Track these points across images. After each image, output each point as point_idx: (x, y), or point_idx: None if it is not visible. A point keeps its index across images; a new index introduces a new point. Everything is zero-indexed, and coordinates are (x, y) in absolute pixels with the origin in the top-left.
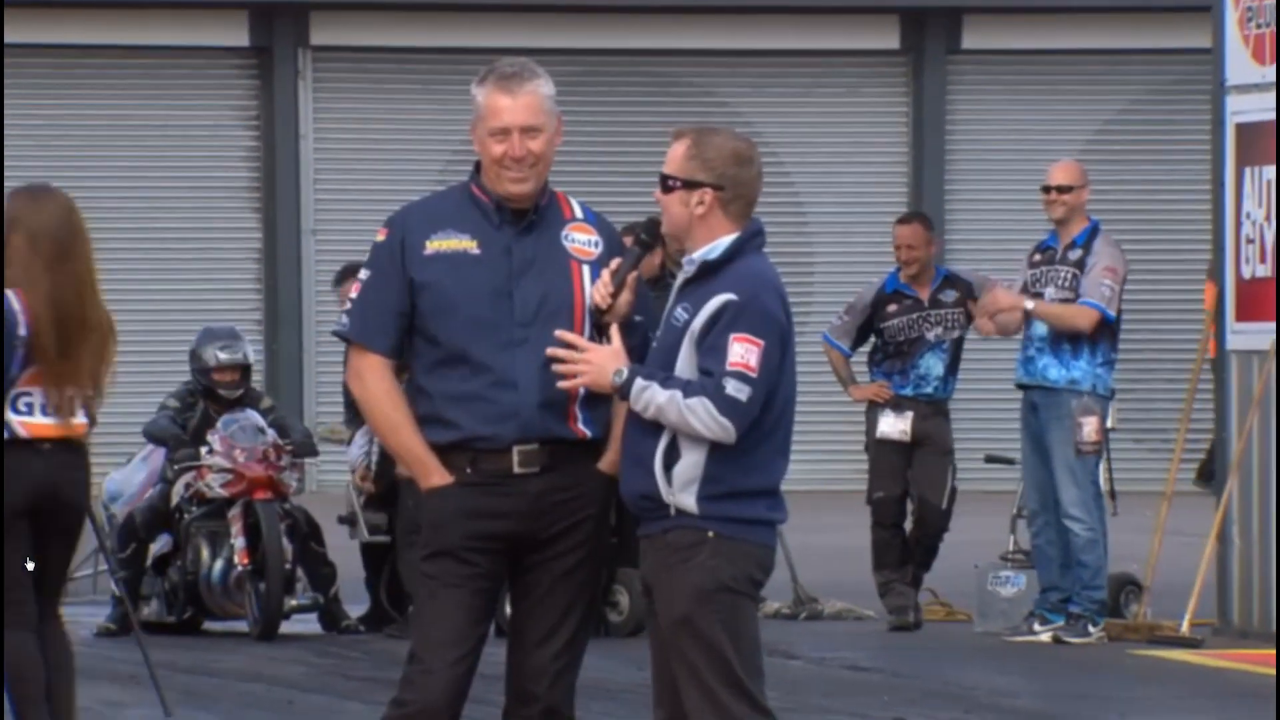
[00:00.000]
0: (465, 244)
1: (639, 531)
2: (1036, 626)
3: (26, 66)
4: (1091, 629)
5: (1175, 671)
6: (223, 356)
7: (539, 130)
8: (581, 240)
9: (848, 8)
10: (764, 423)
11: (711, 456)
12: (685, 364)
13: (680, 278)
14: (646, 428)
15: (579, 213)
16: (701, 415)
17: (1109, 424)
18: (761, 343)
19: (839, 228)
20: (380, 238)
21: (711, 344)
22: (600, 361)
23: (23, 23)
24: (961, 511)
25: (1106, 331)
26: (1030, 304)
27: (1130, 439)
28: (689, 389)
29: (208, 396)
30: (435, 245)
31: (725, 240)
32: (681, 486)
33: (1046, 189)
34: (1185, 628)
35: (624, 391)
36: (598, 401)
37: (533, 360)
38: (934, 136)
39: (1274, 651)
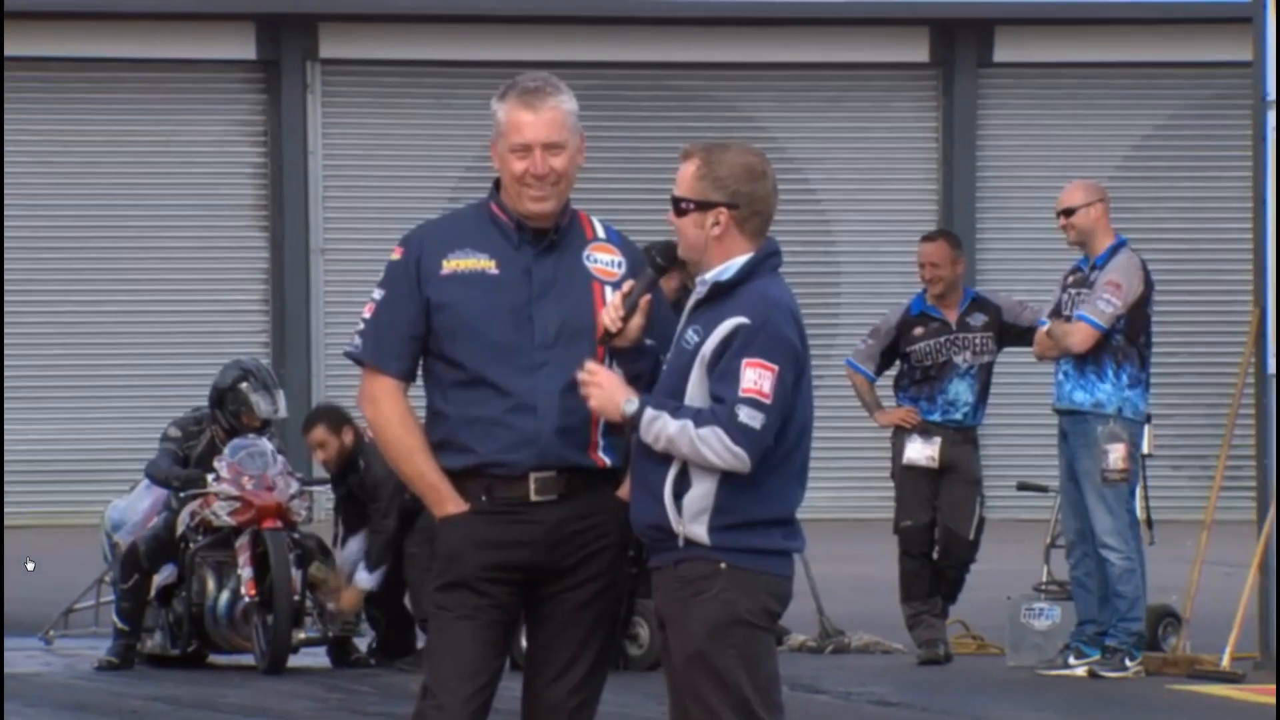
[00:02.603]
0: (484, 264)
1: (649, 563)
2: (1072, 660)
3: (26, 80)
4: (1128, 663)
5: (1215, 707)
6: (266, 409)
7: (562, 147)
8: (604, 261)
9: (876, 19)
10: (778, 450)
11: (723, 485)
12: (696, 388)
13: (692, 299)
14: (655, 455)
15: (601, 232)
16: (714, 445)
17: (1145, 449)
18: (775, 368)
19: (867, 246)
20: (395, 256)
21: (723, 369)
22: (610, 388)
23: (22, 35)
24: (993, 540)
25: (1132, 352)
26: (1047, 324)
27: (1169, 465)
28: (700, 418)
29: (217, 424)
30: (453, 265)
31: (739, 261)
32: (692, 516)
33: (1057, 215)
34: (1226, 662)
35: (634, 422)
36: (620, 428)
37: (553, 384)
38: (965, 152)
39: None
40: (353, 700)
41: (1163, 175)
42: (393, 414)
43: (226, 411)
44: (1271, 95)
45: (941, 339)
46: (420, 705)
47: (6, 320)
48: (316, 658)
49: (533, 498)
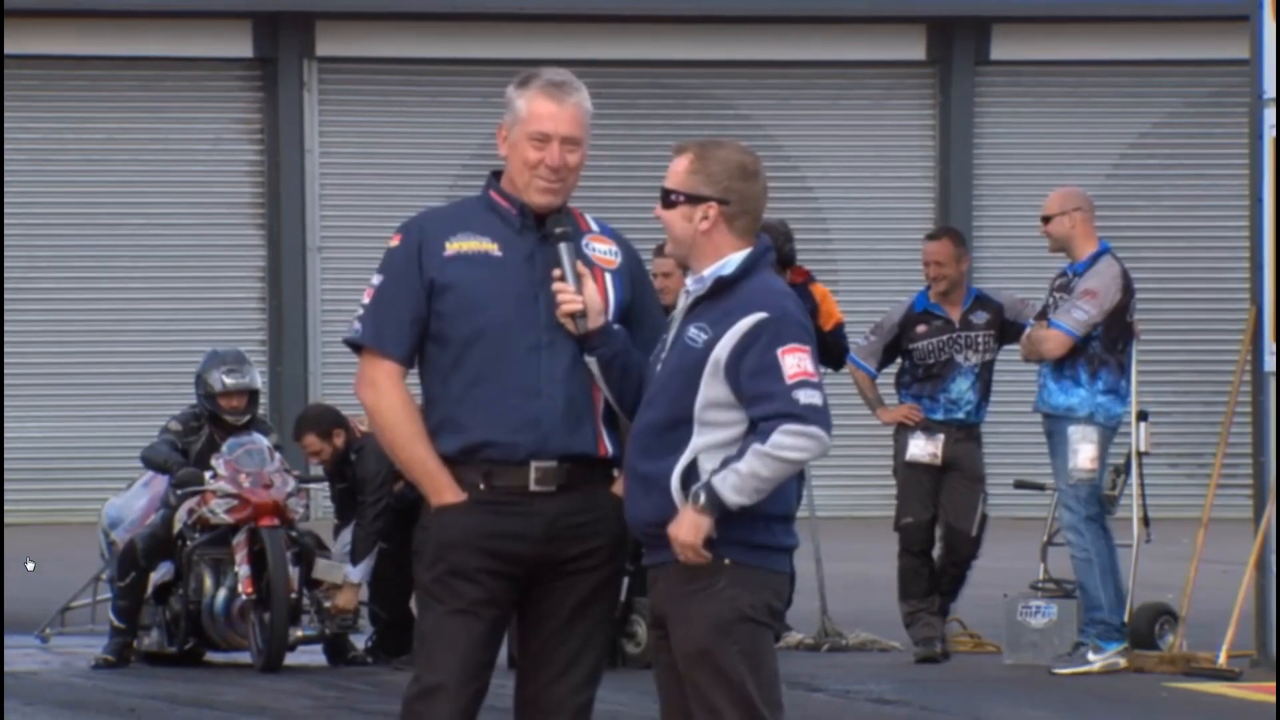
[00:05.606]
0: (487, 246)
1: (645, 560)
2: (1091, 656)
3: (22, 78)
4: (1092, 657)
5: (1211, 705)
6: (229, 381)
7: (578, 143)
8: (602, 250)
9: (872, 17)
10: None
11: None
12: (708, 388)
13: (689, 297)
14: (652, 451)
15: (595, 226)
16: (790, 443)
17: (1142, 447)
18: (807, 348)
19: (864, 244)
20: (394, 243)
21: (757, 366)
22: (685, 524)
23: (18, 32)
24: (990, 538)
25: (1110, 359)
26: (1031, 327)
27: (1165, 463)
28: (760, 434)
29: (213, 422)
30: (456, 246)
31: (738, 256)
32: None
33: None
34: (1222, 659)
35: (714, 503)
36: (615, 418)
37: (557, 368)
38: (962, 150)
39: None
40: (349, 698)
41: (1159, 173)
42: (393, 399)
43: (202, 399)
44: (1268, 93)
45: (945, 337)
46: (409, 695)
47: (4, 318)
48: (313, 656)
49: (532, 487)
